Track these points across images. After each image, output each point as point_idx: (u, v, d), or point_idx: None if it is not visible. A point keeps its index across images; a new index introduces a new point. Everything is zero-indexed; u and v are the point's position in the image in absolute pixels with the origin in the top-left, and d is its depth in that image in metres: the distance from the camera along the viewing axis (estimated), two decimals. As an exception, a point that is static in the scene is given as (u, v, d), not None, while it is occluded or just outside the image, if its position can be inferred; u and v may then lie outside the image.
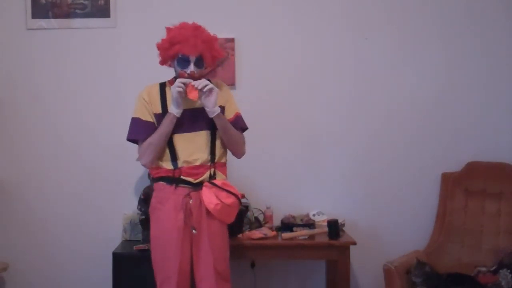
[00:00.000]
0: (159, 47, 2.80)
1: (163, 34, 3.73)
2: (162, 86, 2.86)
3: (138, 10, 3.80)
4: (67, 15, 3.77)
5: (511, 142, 3.78)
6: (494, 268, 3.26)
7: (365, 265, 3.75)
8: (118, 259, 3.40)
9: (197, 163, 2.80)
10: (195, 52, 2.71)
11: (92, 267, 3.76)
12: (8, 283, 3.80)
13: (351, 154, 3.82)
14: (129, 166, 3.74)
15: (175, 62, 2.78)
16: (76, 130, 3.81)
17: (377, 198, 3.82)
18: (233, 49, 3.75)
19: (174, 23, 2.84)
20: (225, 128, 2.82)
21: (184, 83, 2.70)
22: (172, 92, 2.71)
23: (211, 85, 2.72)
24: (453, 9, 3.80)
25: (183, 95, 2.71)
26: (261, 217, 3.66)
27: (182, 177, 2.79)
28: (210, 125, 2.81)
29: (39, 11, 3.77)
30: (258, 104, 3.66)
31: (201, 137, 2.82)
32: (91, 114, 3.81)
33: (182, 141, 2.79)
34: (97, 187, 3.80)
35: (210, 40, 2.78)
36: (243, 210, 3.45)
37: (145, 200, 3.52)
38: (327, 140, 3.82)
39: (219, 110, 2.77)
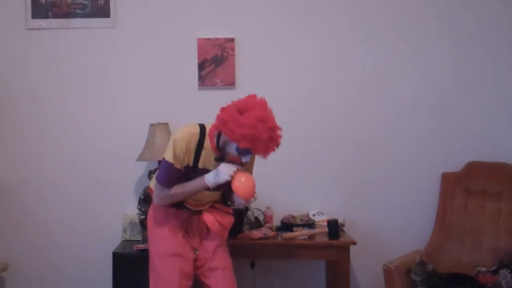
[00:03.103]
0: (227, 122, 2.52)
1: (163, 34, 3.77)
2: (201, 139, 2.67)
3: (138, 10, 3.80)
4: (67, 15, 3.77)
5: (511, 142, 3.78)
6: (494, 268, 3.26)
7: (365, 265, 3.75)
8: (118, 259, 3.41)
9: (201, 205, 2.83)
10: (264, 154, 2.59)
11: (92, 267, 3.76)
12: (8, 283, 3.80)
13: (351, 154, 3.82)
14: (129, 167, 3.75)
15: (235, 146, 2.58)
16: (76, 130, 3.81)
17: (377, 198, 3.82)
18: (233, 49, 3.75)
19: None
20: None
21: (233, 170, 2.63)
22: (220, 173, 2.61)
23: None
24: (453, 9, 3.80)
25: None
26: (261, 217, 3.66)
27: (184, 204, 2.81)
28: (225, 188, 2.77)
29: (39, 11, 3.77)
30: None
31: (215, 195, 2.83)
32: (91, 114, 3.81)
33: (194, 194, 2.78)
34: (97, 187, 3.80)
35: (279, 139, 2.61)
36: (243, 210, 3.46)
37: (145, 200, 3.53)
38: (327, 140, 3.82)
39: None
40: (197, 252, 2.83)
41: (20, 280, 3.80)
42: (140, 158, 3.58)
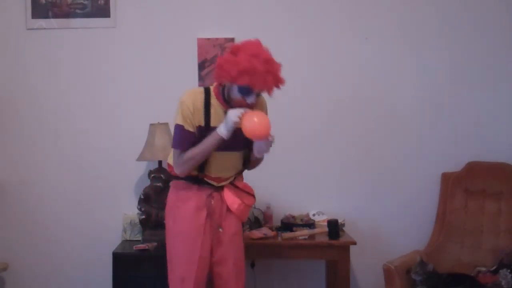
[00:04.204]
0: (223, 65, 2.58)
1: (163, 34, 3.77)
2: (207, 96, 2.70)
3: (138, 10, 3.80)
4: (67, 15, 3.77)
5: (511, 142, 3.78)
6: (494, 268, 3.26)
7: (365, 265, 3.75)
8: (118, 259, 3.40)
9: (222, 178, 2.82)
10: (264, 88, 2.61)
11: (92, 267, 3.76)
12: (8, 283, 3.80)
13: (351, 154, 3.82)
14: (129, 166, 3.75)
15: (236, 88, 2.60)
16: (75, 130, 3.81)
17: (377, 198, 3.82)
18: (233, 49, 3.75)
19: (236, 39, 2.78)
20: (258, 160, 2.87)
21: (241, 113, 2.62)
22: (228, 117, 2.61)
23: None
24: (454, 9, 3.80)
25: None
26: (261, 217, 3.66)
27: (205, 179, 2.80)
28: (244, 146, 2.77)
29: (39, 11, 3.77)
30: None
31: (234, 157, 2.82)
32: (91, 114, 3.81)
33: (215, 158, 2.75)
34: (97, 187, 3.80)
35: (278, 73, 2.64)
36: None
37: (145, 200, 3.53)
38: (327, 140, 3.82)
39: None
40: (220, 229, 2.80)
41: (20, 280, 3.80)
42: (140, 158, 3.58)
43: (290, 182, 3.82)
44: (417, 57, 3.81)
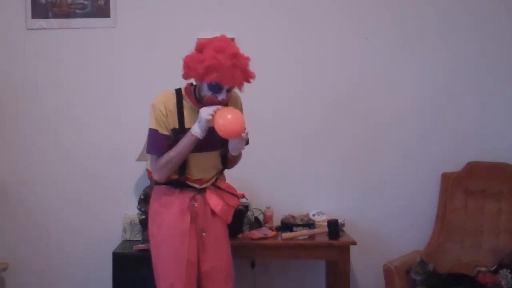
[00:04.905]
0: (189, 64, 2.57)
1: (163, 34, 3.78)
2: (179, 97, 2.68)
3: (138, 10, 3.80)
4: (67, 15, 3.77)
5: (511, 142, 3.78)
6: (494, 268, 3.27)
7: (365, 265, 3.75)
8: (118, 259, 3.40)
9: (204, 180, 2.80)
10: (233, 84, 2.57)
11: (92, 267, 3.76)
12: (8, 283, 3.80)
13: (351, 154, 3.82)
14: (129, 166, 3.75)
15: (206, 85, 2.59)
16: (75, 130, 3.81)
17: (377, 198, 3.82)
18: (233, 49, 3.75)
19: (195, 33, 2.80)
20: (236, 157, 2.83)
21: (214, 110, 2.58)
22: (200, 116, 2.57)
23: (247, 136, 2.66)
24: (453, 10, 3.81)
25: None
26: (261, 217, 3.66)
27: (187, 182, 2.78)
28: (221, 144, 2.75)
29: (39, 11, 3.77)
30: (258, 104, 3.65)
31: (212, 157, 2.80)
32: (90, 114, 3.81)
33: (193, 159, 2.73)
34: (97, 187, 3.80)
35: (246, 67, 2.60)
36: (243, 210, 3.46)
37: (145, 200, 3.52)
38: (327, 140, 3.82)
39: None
40: (203, 233, 2.78)
41: (20, 280, 3.80)
42: (140, 158, 3.58)
43: (290, 182, 3.82)
44: (417, 57, 3.81)
